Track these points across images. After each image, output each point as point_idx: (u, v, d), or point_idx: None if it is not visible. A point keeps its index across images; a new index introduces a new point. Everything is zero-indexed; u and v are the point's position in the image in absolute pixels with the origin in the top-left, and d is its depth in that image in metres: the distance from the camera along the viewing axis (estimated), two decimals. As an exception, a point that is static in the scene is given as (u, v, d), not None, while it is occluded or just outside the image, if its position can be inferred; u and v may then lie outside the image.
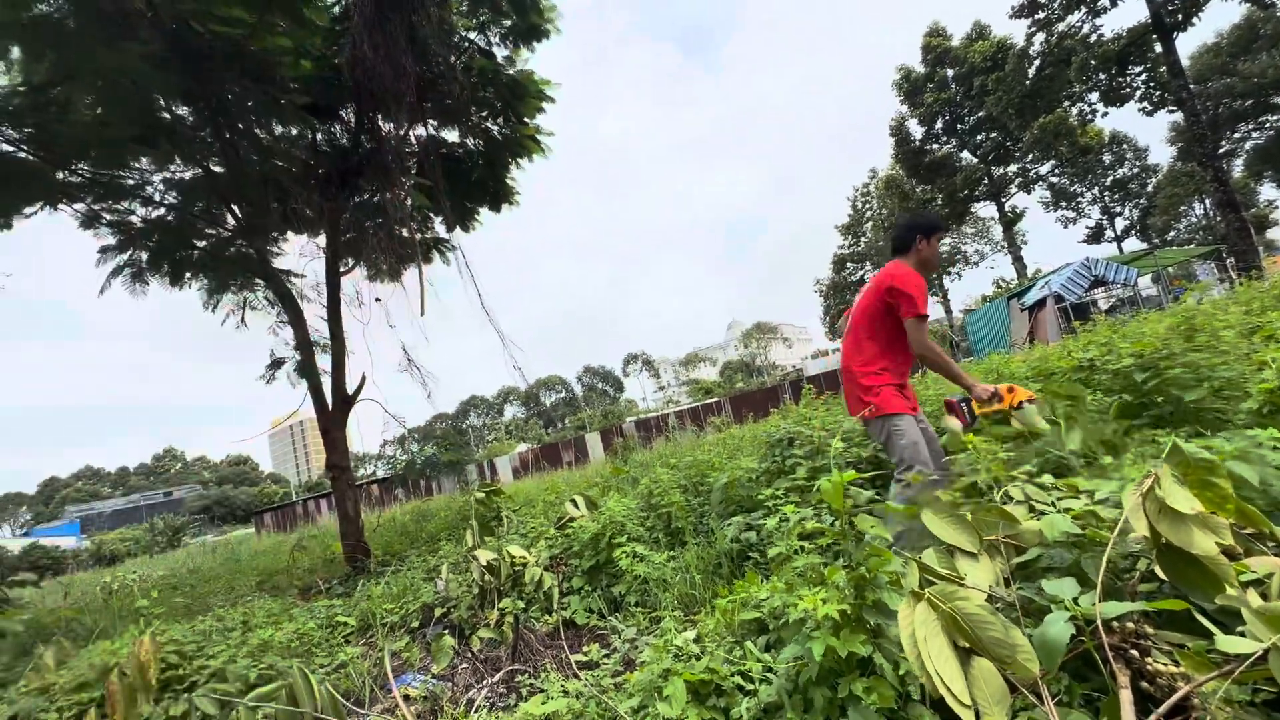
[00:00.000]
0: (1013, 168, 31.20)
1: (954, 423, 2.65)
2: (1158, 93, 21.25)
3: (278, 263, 8.40)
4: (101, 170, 6.81)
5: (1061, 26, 21.40)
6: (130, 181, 7.20)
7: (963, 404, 2.68)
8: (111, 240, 7.33)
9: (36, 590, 8.75)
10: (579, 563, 3.82)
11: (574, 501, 4.82)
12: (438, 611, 3.85)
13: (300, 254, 8.47)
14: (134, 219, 7.34)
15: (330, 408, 7.36)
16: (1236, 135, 32.31)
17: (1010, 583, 1.42)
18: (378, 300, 8.10)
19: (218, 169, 7.23)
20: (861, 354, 2.80)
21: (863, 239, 42.47)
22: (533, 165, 8.83)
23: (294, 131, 7.64)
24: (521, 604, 3.52)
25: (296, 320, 7.61)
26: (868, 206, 41.91)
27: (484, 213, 9.40)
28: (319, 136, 7.67)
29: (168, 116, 6.47)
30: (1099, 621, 1.11)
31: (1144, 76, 21.38)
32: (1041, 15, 21.75)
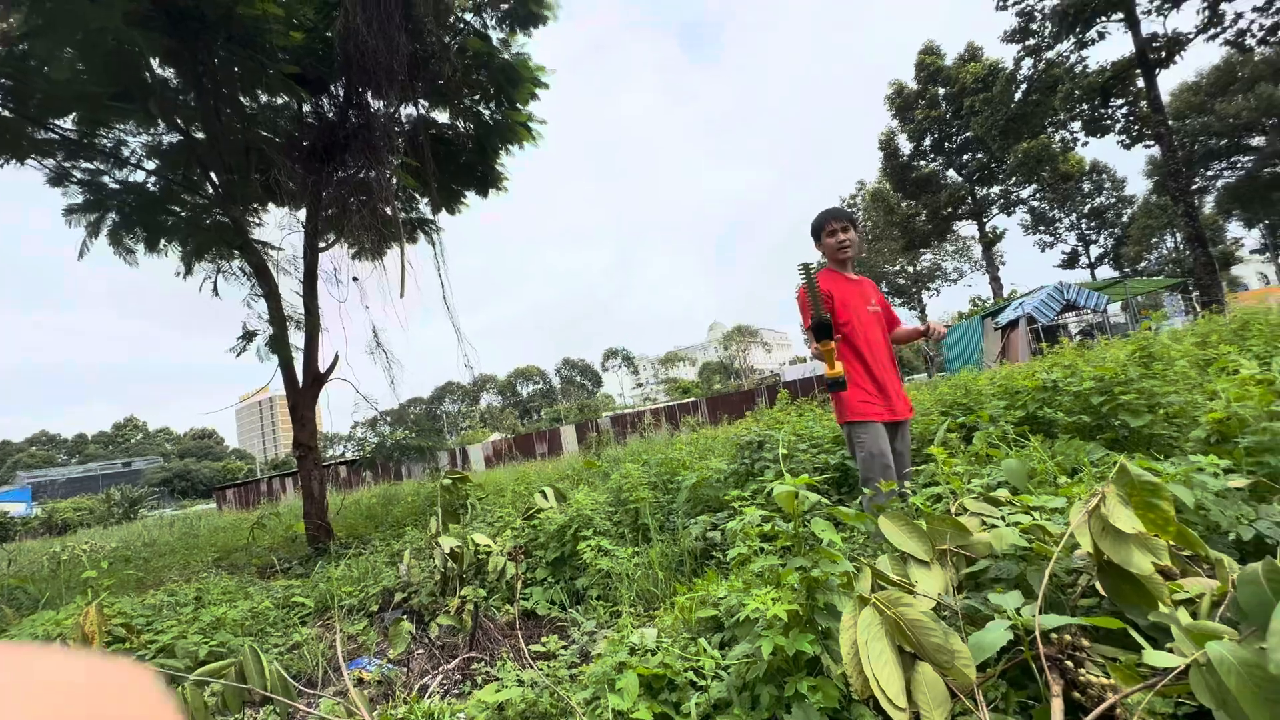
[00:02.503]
0: (995, 189, 31.83)
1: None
2: (1137, 126, 21.86)
3: (256, 234, 8.22)
4: (78, 129, 6.60)
5: (1050, 54, 21.87)
6: (106, 143, 6.98)
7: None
8: (79, 200, 7.10)
9: (-19, 556, 8.46)
10: (544, 554, 3.82)
11: (543, 492, 4.80)
12: (398, 596, 3.82)
13: (280, 226, 8.29)
14: (107, 180, 7.12)
15: (300, 385, 7.23)
16: (1210, 173, 33.37)
17: (959, 591, 1.46)
18: (355, 279, 7.97)
19: (199, 135, 7.04)
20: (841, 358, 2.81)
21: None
22: (524, 152, 8.79)
23: (280, 101, 7.48)
24: (483, 592, 3.51)
25: (271, 293, 7.45)
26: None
27: (472, 197, 9.32)
28: (306, 108, 7.52)
29: (149, 78, 6.28)
30: (1038, 632, 1.15)
31: (1125, 110, 21.97)
32: (1031, 42, 22.20)
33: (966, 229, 36.04)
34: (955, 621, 1.38)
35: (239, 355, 8.22)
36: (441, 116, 8.26)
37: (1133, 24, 20.03)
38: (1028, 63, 22.75)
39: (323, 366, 7.48)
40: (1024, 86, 23.00)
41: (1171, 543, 1.39)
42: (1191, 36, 19.74)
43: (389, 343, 8.65)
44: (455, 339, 7.93)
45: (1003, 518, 1.46)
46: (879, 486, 2.20)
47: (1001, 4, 22.46)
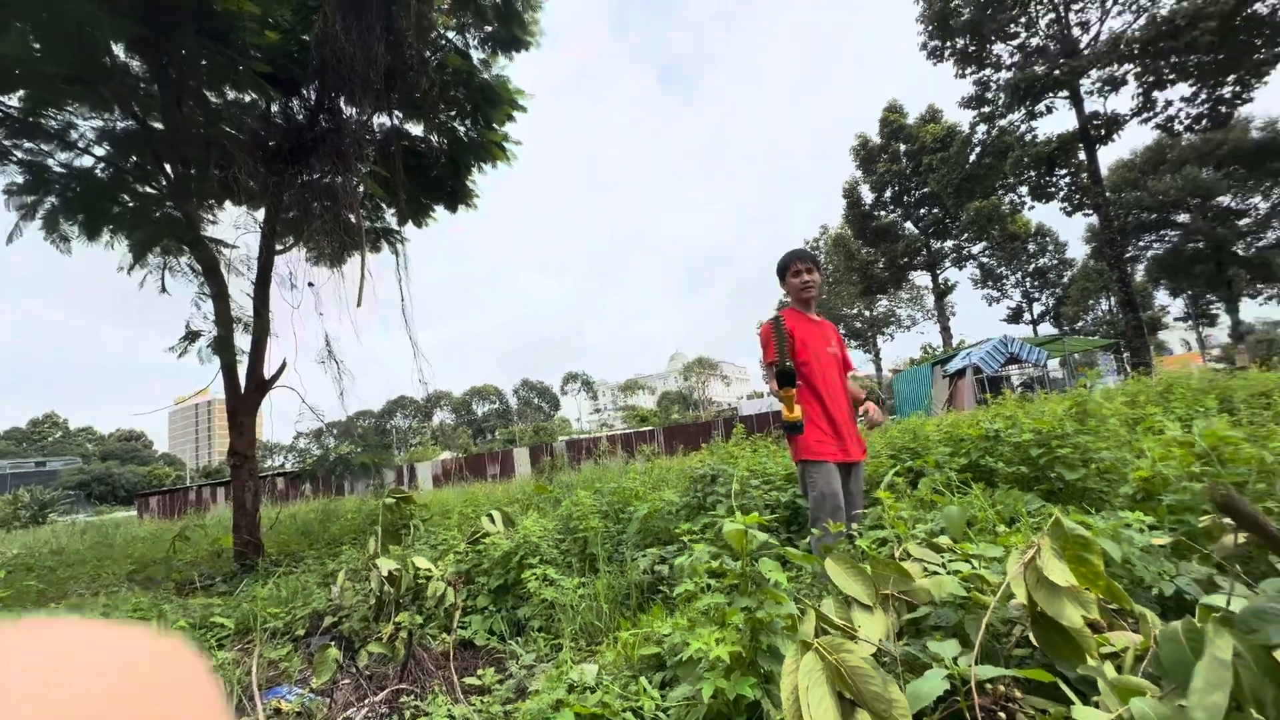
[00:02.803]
0: (949, 243, 33.45)
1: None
2: (1078, 196, 23.42)
3: (209, 232, 7.91)
4: (23, 106, 6.27)
5: (1003, 122, 23.36)
6: (54, 124, 6.65)
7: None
8: (19, 180, 6.72)
9: None
10: (487, 581, 3.69)
11: (490, 516, 4.67)
12: (328, 621, 3.62)
13: (235, 225, 8.01)
14: (51, 163, 6.76)
15: (243, 390, 6.91)
16: (1141, 244, 35.91)
17: (900, 636, 1.47)
18: (311, 285, 7.73)
19: (157, 125, 6.79)
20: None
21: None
22: (497, 171, 8.80)
23: (248, 99, 7.30)
24: (420, 619, 3.36)
25: (220, 293, 7.15)
26: (815, 260, 43.75)
27: (441, 211, 9.24)
28: (275, 108, 7.36)
29: (110, 63, 6.04)
30: (973, 683, 1.17)
31: (1068, 179, 23.53)
32: (986, 109, 23.72)
33: (921, 279, 37.64)
34: (895, 668, 1.38)
35: (180, 355, 7.82)
36: (416, 129, 8.21)
37: (1077, 102, 21.64)
38: (982, 128, 24.25)
39: (269, 372, 7.18)
40: (978, 150, 24.44)
41: (1100, 596, 1.44)
42: (1127, 118, 21.43)
43: (341, 353, 8.40)
44: (411, 353, 7.75)
45: (944, 565, 1.49)
46: (828, 526, 2.22)
47: (960, 72, 23.97)
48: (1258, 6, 17.70)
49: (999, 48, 23.19)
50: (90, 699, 0.18)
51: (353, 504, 11.82)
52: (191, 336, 7.90)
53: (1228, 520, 1.72)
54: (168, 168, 7.04)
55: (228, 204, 8.22)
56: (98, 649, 0.19)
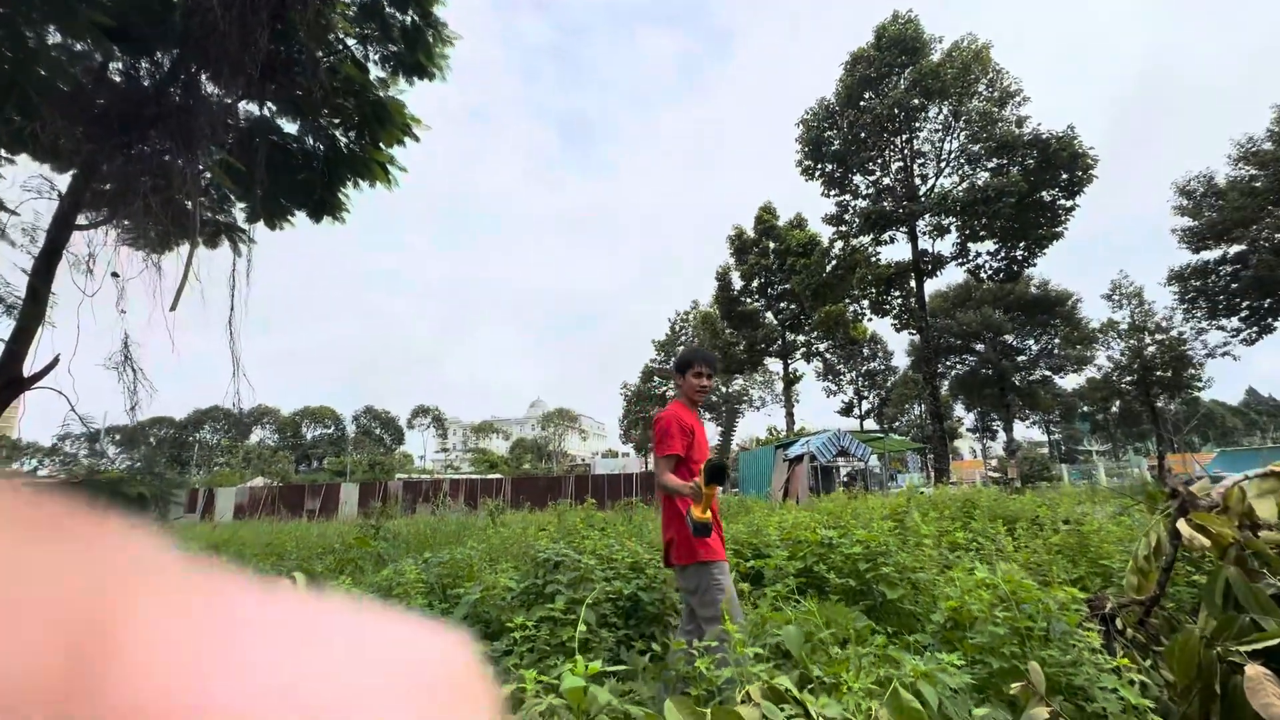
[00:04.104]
0: (801, 337, 36.95)
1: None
2: (906, 316, 27.20)
3: (-15, 186, 6.44)
4: None
5: (855, 242, 26.79)
6: None
7: (686, 515, 2.55)
8: None
9: None
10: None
11: (293, 579, 4.00)
12: None
13: (25, 187, 6.60)
14: None
15: (-12, 386, 5.51)
16: (947, 363, 42.32)
17: (733, 801, 1.38)
18: (115, 275, 6.54)
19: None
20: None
21: (673, 358, 46.19)
22: (374, 190, 8.24)
23: (80, 47, 6.20)
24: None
25: (-18, 264, 5.76)
26: (683, 331, 46.11)
27: (301, 218, 8.40)
28: (114, 65, 6.32)
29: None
30: None
31: (899, 301, 27.30)
32: (843, 229, 27.13)
33: (774, 365, 40.98)
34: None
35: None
36: (290, 127, 7.49)
37: (913, 238, 25.46)
38: (839, 245, 27.62)
39: (32, 367, 5.82)
40: (833, 262, 27.69)
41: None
42: (948, 259, 25.59)
43: (144, 359, 7.10)
44: (231, 369, 6.74)
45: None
46: (727, 629, 2.13)
47: (826, 192, 27.29)
48: (1043, 194, 22.38)
49: (859, 179, 26.84)
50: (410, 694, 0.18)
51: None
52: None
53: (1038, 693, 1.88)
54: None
55: (23, 159, 6.79)
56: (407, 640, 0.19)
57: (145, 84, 6.39)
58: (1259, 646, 1.97)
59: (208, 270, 6.97)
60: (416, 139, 7.46)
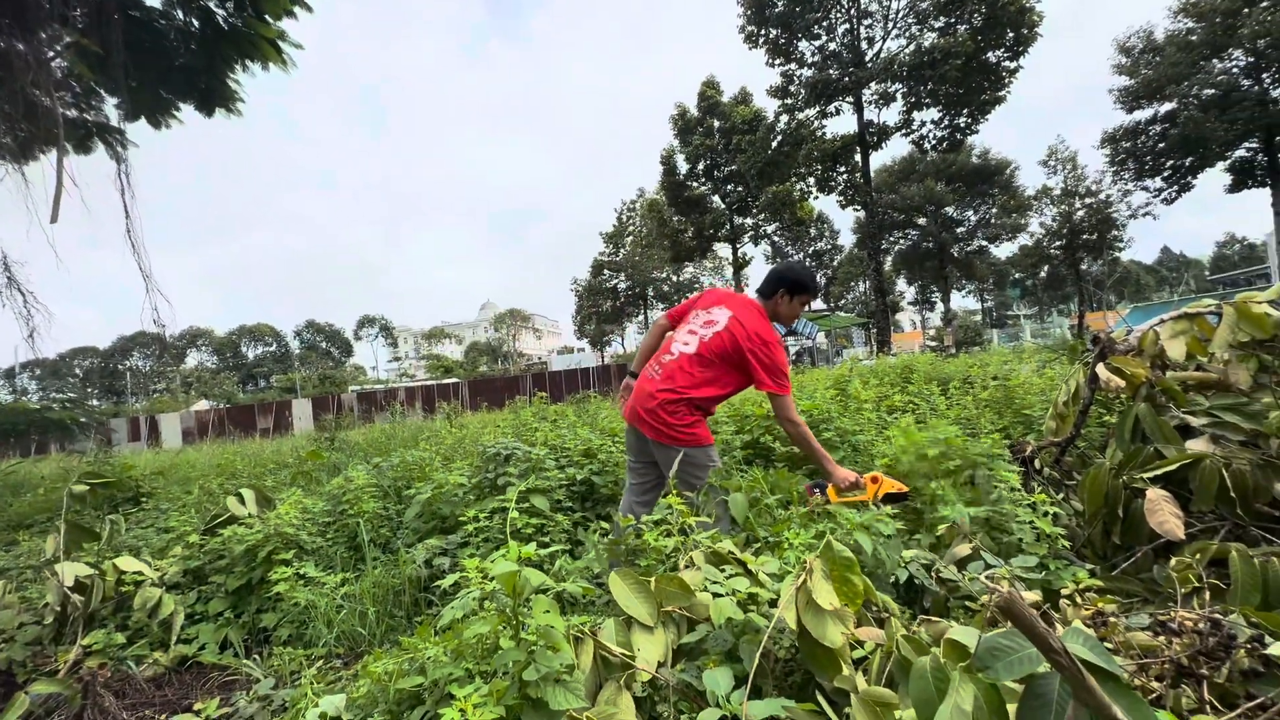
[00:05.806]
0: (749, 221, 36.53)
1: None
2: (852, 192, 27.02)
3: None
4: None
5: (801, 115, 25.83)
6: None
7: (817, 489, 2.50)
8: None
9: None
10: (224, 580, 3.06)
11: (239, 496, 3.89)
12: (-27, 651, 2.71)
13: None
14: None
15: None
16: (891, 239, 43.01)
17: (679, 659, 1.43)
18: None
19: None
20: (692, 379, 2.56)
21: (622, 249, 45.34)
22: (272, 75, 7.25)
23: None
24: (122, 638, 2.67)
25: None
26: (630, 222, 44.90)
27: (191, 113, 7.40)
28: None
29: None
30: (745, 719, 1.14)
31: (845, 177, 26.98)
32: (789, 101, 25.99)
33: (723, 250, 40.75)
34: (669, 695, 1.33)
35: None
36: (153, 0, 6.37)
37: (859, 109, 24.71)
38: (784, 118, 26.56)
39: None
40: (779, 138, 26.77)
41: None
42: (893, 130, 25.12)
43: (31, 280, 6.40)
44: (192, 277, 6.17)
45: (723, 581, 1.47)
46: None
47: (771, 61, 25.80)
48: (989, 55, 21.78)
49: (804, 45, 25.37)
50: None
51: (55, 468, 9.32)
52: None
53: (963, 533, 1.98)
54: None
55: None
56: None
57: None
58: (1159, 472, 2.13)
59: (88, 181, 6.15)
60: (309, 8, 6.47)
